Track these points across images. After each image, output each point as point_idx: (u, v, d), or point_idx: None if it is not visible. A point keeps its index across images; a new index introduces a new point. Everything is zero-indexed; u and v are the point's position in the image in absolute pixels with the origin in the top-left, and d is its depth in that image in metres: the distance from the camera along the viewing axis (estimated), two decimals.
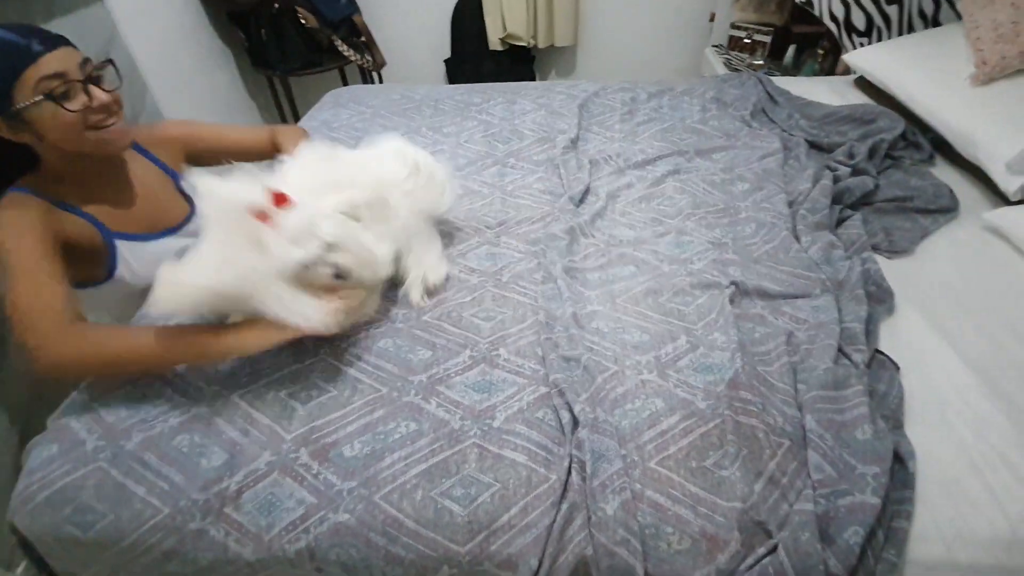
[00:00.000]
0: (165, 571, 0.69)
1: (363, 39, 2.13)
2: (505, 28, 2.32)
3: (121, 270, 0.97)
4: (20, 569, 1.21)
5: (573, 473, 0.66)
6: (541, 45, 2.38)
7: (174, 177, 1.12)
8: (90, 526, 0.68)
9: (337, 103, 1.56)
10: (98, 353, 0.78)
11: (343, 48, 2.06)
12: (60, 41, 0.83)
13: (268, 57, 2.05)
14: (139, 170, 1.04)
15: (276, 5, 1.93)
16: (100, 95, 0.87)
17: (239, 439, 0.73)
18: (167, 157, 1.11)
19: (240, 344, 0.78)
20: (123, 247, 0.97)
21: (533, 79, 2.55)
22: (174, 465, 0.71)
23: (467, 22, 2.36)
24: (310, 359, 0.82)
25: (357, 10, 2.14)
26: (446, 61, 2.51)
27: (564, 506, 0.64)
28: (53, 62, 0.81)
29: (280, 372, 0.80)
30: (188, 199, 1.11)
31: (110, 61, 0.89)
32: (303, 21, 1.96)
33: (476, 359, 0.81)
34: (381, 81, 2.36)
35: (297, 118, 2.28)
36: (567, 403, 0.73)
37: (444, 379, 0.79)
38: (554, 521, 0.64)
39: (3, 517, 1.21)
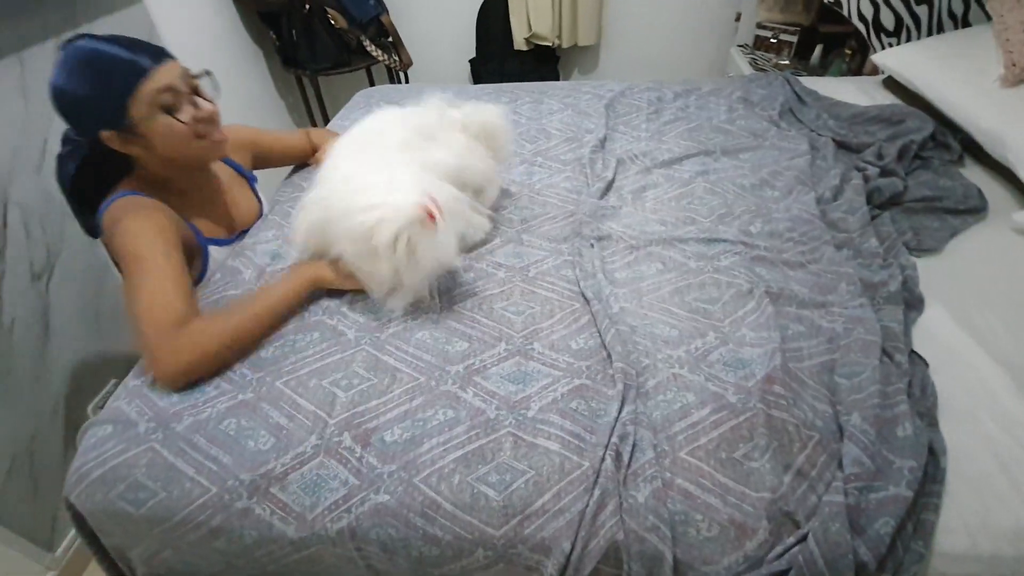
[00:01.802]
0: (212, 547, 0.72)
1: (390, 39, 2.17)
2: (531, 28, 2.34)
3: (208, 275, 1.00)
4: (59, 550, 1.27)
5: (607, 460, 0.68)
6: (565, 45, 2.39)
7: (249, 179, 1.16)
8: (142, 503, 0.71)
9: (368, 103, 1.60)
10: (209, 345, 0.80)
11: (371, 48, 2.10)
12: (165, 54, 0.87)
13: (298, 57, 2.09)
14: (222, 175, 1.08)
15: (307, 6, 1.97)
16: (206, 105, 0.91)
17: (285, 423, 0.76)
18: (241, 160, 1.16)
19: (309, 275, 0.90)
20: (213, 252, 1.01)
21: (557, 79, 2.56)
22: (222, 447, 0.74)
23: (492, 22, 2.38)
24: (352, 349, 0.85)
25: (385, 10, 2.17)
26: (471, 61, 2.54)
27: (596, 492, 0.66)
28: (163, 75, 0.85)
29: (323, 362, 0.83)
30: (259, 199, 1.15)
31: (207, 72, 0.92)
32: (333, 22, 2.00)
33: (511, 351, 0.84)
34: (407, 81, 2.40)
35: (326, 118, 2.33)
36: (623, 395, 0.74)
37: (480, 370, 0.81)
38: (586, 507, 0.66)
39: (51, 499, 1.27)
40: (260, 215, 1.15)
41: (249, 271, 1.01)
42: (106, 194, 0.92)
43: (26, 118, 1.22)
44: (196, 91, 0.91)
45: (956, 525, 0.65)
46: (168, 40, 1.70)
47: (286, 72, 2.26)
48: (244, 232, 1.11)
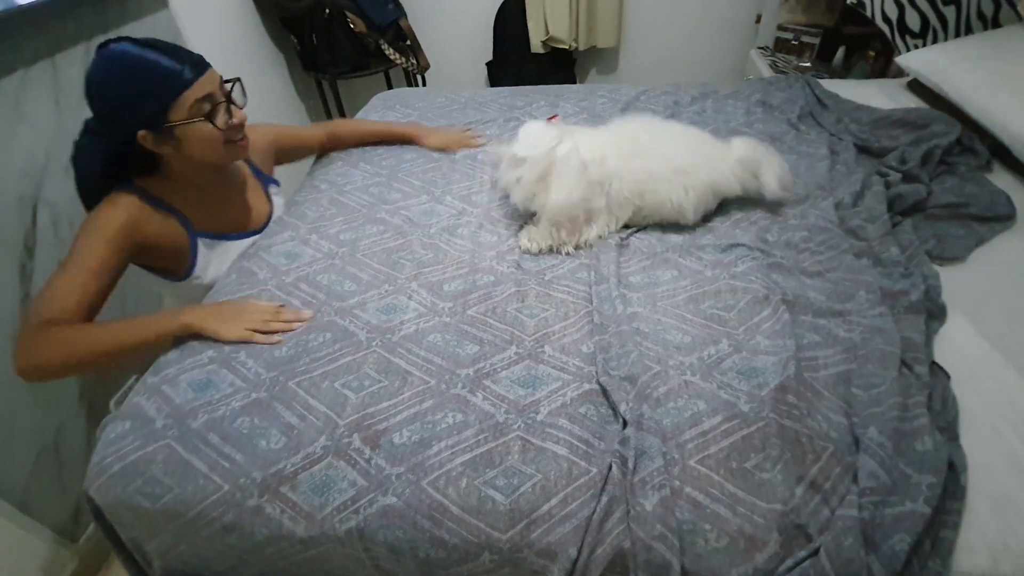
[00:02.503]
0: (224, 543, 0.74)
1: (408, 42, 2.19)
2: (548, 31, 2.34)
3: (199, 269, 1.03)
4: (82, 540, 1.30)
5: (614, 468, 0.68)
6: (582, 47, 2.39)
7: (265, 182, 1.19)
8: (158, 498, 0.73)
9: (385, 105, 1.62)
10: (59, 353, 0.82)
11: (390, 52, 2.12)
12: (206, 65, 0.91)
13: (318, 61, 2.13)
14: (238, 174, 1.12)
15: (327, 11, 2.00)
16: (240, 113, 0.96)
17: (297, 423, 0.77)
18: (262, 162, 1.19)
19: (183, 319, 0.88)
20: (203, 245, 1.03)
21: (574, 81, 2.56)
22: (235, 445, 0.75)
23: (509, 25, 2.39)
24: (363, 351, 0.86)
25: (403, 14, 2.20)
26: (488, 64, 2.55)
27: (604, 499, 0.66)
28: (204, 85, 0.90)
29: (335, 363, 0.84)
30: (271, 201, 1.18)
31: (238, 80, 0.96)
32: (352, 26, 2.03)
33: (522, 355, 0.84)
34: (425, 83, 2.41)
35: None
36: (613, 405, 0.74)
37: (490, 373, 0.81)
38: (593, 513, 0.65)
39: (74, 490, 1.31)
40: (270, 217, 1.17)
41: (264, 271, 1.02)
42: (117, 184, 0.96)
43: (59, 121, 1.26)
44: (229, 98, 0.95)
45: (977, 544, 0.63)
46: (193, 45, 1.74)
47: (307, 76, 2.30)
48: (258, 231, 1.13)
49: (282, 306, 0.95)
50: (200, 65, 0.90)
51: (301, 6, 2.00)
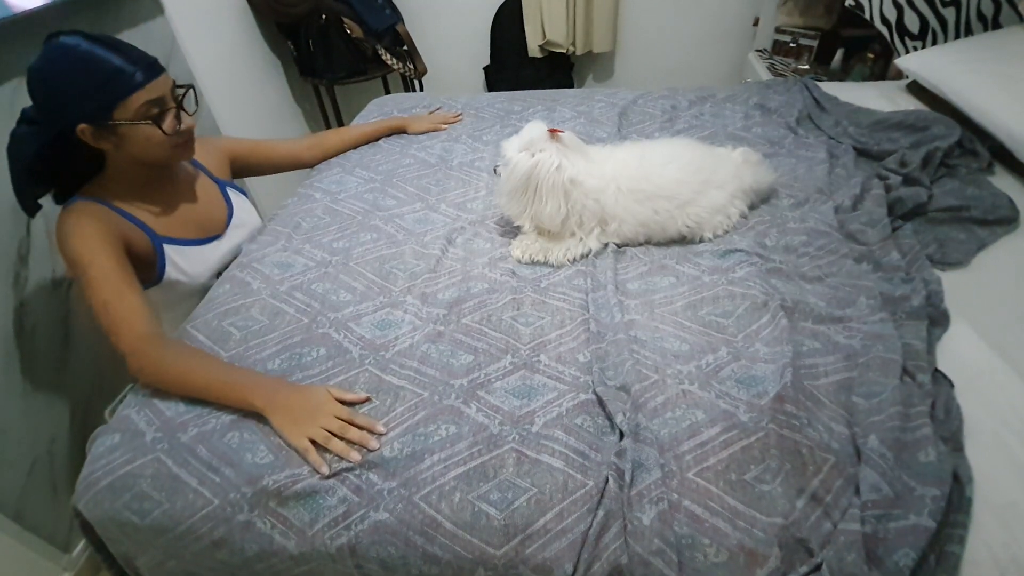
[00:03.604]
0: (215, 559, 0.72)
1: (405, 48, 2.18)
2: (545, 35, 2.34)
3: (170, 273, 1.02)
4: (76, 551, 1.29)
5: (610, 481, 0.66)
6: (579, 52, 2.38)
7: (219, 184, 1.17)
8: (147, 513, 0.72)
9: (381, 111, 1.61)
10: (183, 382, 0.83)
11: (386, 57, 2.11)
12: (160, 68, 0.90)
13: (315, 66, 2.12)
14: (185, 177, 1.10)
15: (323, 17, 2.00)
16: (188, 120, 0.96)
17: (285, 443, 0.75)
18: (212, 165, 1.17)
19: (262, 402, 0.78)
20: (170, 251, 1.02)
21: (571, 86, 2.55)
22: (224, 459, 0.74)
23: (506, 30, 2.38)
24: (356, 369, 0.84)
25: (400, 19, 2.19)
26: (485, 68, 2.54)
27: (600, 513, 0.64)
28: (155, 89, 0.88)
29: (329, 382, 0.83)
30: (229, 203, 1.17)
31: (191, 87, 0.96)
32: (349, 31, 2.02)
33: (517, 364, 0.82)
34: (422, 88, 2.41)
35: (341, 124, 2.35)
36: (609, 415, 0.73)
37: (485, 384, 0.80)
38: (590, 527, 0.64)
39: (69, 501, 1.29)
40: (230, 218, 1.15)
41: (257, 282, 1.01)
42: (59, 180, 0.95)
43: None
44: (180, 104, 0.94)
45: (983, 558, 0.61)
46: (190, 51, 1.74)
47: (304, 81, 2.29)
48: (220, 235, 1.12)
49: (353, 405, 0.81)
50: (153, 68, 0.88)
51: (298, 12, 2.00)
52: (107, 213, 0.94)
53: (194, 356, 0.86)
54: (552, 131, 1.00)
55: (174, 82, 0.93)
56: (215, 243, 1.11)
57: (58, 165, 0.94)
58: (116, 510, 0.73)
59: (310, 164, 1.40)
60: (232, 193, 1.19)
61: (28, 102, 0.91)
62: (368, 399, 0.80)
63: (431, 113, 1.56)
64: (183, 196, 1.08)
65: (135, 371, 0.85)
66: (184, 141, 0.97)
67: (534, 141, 1.00)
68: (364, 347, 0.88)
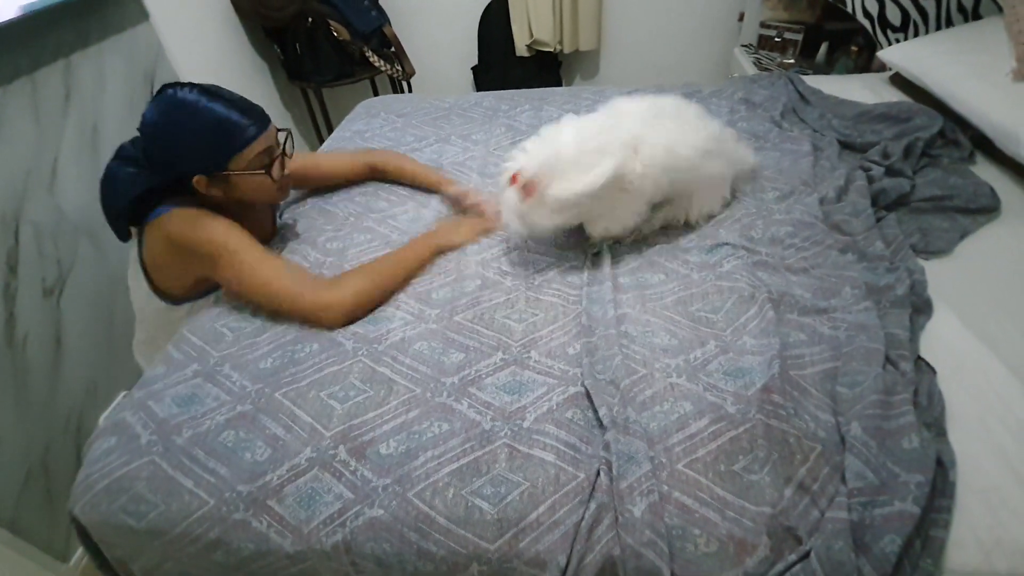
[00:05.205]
0: (211, 560, 0.73)
1: (393, 49, 2.18)
2: (532, 34, 2.34)
3: (205, 298, 1.03)
4: (73, 560, 1.29)
5: (601, 474, 0.67)
6: (567, 50, 2.39)
7: (276, 209, 1.20)
8: (143, 516, 0.72)
9: (369, 113, 1.61)
10: (371, 299, 0.93)
11: (374, 59, 2.11)
12: (268, 119, 0.94)
13: (303, 70, 2.12)
14: (265, 207, 1.14)
15: (310, 20, 2.00)
16: (289, 163, 1.00)
17: (282, 435, 0.76)
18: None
19: (443, 238, 1.05)
20: None
21: (559, 84, 2.56)
22: (220, 459, 0.75)
23: (494, 30, 2.39)
24: (349, 360, 0.85)
25: (387, 21, 2.19)
26: (473, 69, 2.55)
27: (592, 505, 0.65)
28: (266, 140, 0.92)
29: (321, 373, 0.84)
30: (276, 226, 1.18)
31: (289, 132, 0.99)
32: (336, 34, 2.02)
33: (508, 361, 0.83)
34: (410, 90, 2.41)
35: (330, 128, 2.35)
36: (594, 407, 0.74)
37: (475, 380, 0.81)
38: (582, 520, 0.65)
39: (65, 509, 1.29)
40: (272, 239, 1.17)
41: None
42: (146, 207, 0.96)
43: (38, 138, 1.25)
44: (283, 151, 0.98)
45: (968, 540, 0.63)
46: (176, 57, 1.73)
47: (291, 85, 2.29)
48: None
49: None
50: (263, 120, 0.93)
51: (284, 15, 1.99)
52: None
53: (358, 274, 0.94)
54: (513, 177, 0.91)
55: (276, 129, 0.97)
56: None
57: (162, 202, 0.95)
58: (112, 513, 0.73)
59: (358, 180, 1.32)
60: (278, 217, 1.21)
61: (14, 114, 0.92)
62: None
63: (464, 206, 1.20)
64: (250, 223, 1.09)
65: (331, 323, 0.90)
66: (287, 184, 1.01)
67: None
68: (357, 340, 0.89)
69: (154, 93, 0.91)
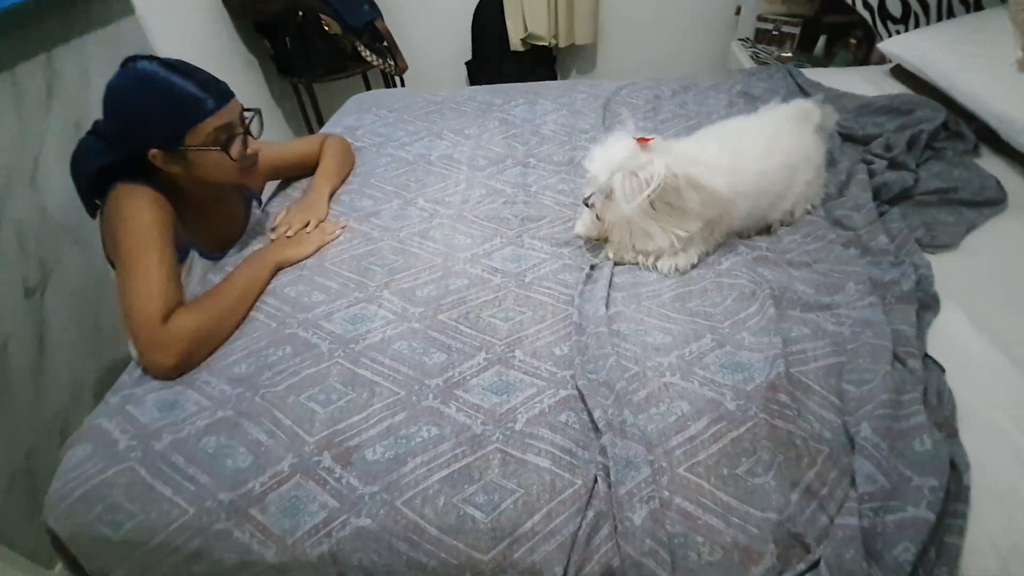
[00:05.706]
0: (192, 572, 0.70)
1: (385, 44, 2.15)
2: (526, 28, 2.31)
3: (184, 279, 0.99)
4: (58, 568, 1.25)
5: (599, 480, 0.64)
6: (562, 44, 2.36)
7: (249, 198, 1.16)
8: (120, 525, 0.69)
9: (360, 108, 1.58)
10: (201, 324, 0.85)
11: (366, 54, 2.08)
12: (231, 94, 0.91)
13: (293, 65, 2.08)
14: (232, 193, 1.10)
15: (300, 14, 1.96)
16: (255, 144, 0.96)
17: (264, 440, 0.73)
18: (256, 183, 1.18)
19: (278, 254, 1.01)
20: (193, 259, 1.01)
21: (555, 79, 2.53)
22: (200, 466, 0.72)
23: (488, 24, 2.35)
24: (326, 362, 0.82)
25: (379, 15, 2.15)
26: (467, 63, 2.52)
27: (590, 513, 0.63)
28: (225, 115, 0.89)
29: (298, 376, 0.81)
30: (248, 217, 1.16)
31: (258, 111, 0.97)
32: (327, 28, 1.98)
33: (491, 360, 0.80)
34: (403, 85, 2.37)
35: (321, 123, 2.31)
36: (588, 409, 0.71)
37: (461, 382, 0.78)
38: (579, 528, 0.62)
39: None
40: (242, 233, 1.14)
41: None
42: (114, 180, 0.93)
43: (20, 134, 1.21)
44: (247, 129, 0.94)
45: (983, 545, 0.60)
46: (163, 52, 1.68)
47: (282, 80, 2.25)
48: (226, 254, 1.10)
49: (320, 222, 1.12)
50: (223, 95, 0.89)
51: (273, 9, 1.95)
52: (161, 201, 0.91)
53: (193, 312, 0.87)
54: (641, 140, 0.89)
55: (242, 107, 0.93)
56: (222, 261, 1.08)
57: (121, 177, 0.92)
58: (88, 523, 0.70)
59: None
60: (254, 205, 1.18)
61: None
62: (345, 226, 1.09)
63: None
64: (220, 212, 1.07)
65: (159, 365, 0.83)
66: (251, 165, 0.97)
67: (626, 161, 0.88)
68: (333, 341, 0.86)
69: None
